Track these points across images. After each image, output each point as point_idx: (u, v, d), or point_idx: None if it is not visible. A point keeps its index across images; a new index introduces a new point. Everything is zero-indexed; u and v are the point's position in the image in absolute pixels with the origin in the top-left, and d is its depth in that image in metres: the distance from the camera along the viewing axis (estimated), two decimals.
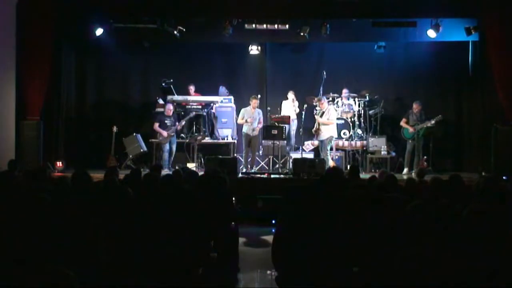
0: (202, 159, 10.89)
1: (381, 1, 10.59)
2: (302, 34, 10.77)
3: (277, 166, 10.72)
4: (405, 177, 9.08)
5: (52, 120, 11.14)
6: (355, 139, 11.45)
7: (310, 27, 10.75)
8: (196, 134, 11.42)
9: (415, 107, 10.88)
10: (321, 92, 11.52)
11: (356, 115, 11.56)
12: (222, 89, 11.99)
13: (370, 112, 11.70)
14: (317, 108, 10.91)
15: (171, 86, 11.68)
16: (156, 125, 11.00)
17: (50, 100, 10.95)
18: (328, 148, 10.40)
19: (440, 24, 10.49)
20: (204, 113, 11.60)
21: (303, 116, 11.06)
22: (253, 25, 10.66)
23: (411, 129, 10.80)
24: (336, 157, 10.94)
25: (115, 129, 11.15)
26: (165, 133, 10.91)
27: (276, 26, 10.66)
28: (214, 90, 11.97)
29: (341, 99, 11.71)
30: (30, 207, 3.95)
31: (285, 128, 10.80)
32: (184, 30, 10.86)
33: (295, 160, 10.19)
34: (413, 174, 9.94)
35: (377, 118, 11.65)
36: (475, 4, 10.28)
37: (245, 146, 10.72)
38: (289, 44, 12.18)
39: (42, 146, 10.54)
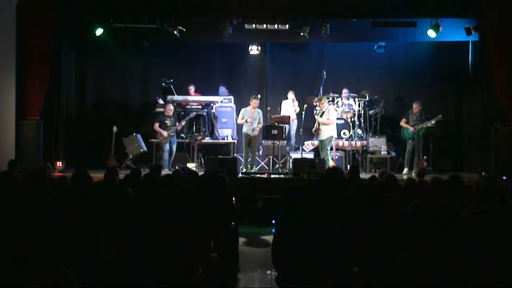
0: (202, 159, 10.90)
1: (381, 1, 10.59)
2: (302, 34, 10.77)
3: (277, 166, 10.72)
4: (405, 177, 9.09)
5: (52, 120, 11.14)
6: (355, 139, 11.45)
7: (310, 27, 10.76)
8: (196, 134, 11.42)
9: (415, 107, 10.88)
10: (321, 92, 11.52)
11: (356, 115, 11.56)
12: (222, 89, 11.99)
13: (370, 112, 11.70)
14: (317, 108, 10.91)
15: (171, 86, 11.68)
16: (156, 125, 11.01)
17: (50, 100, 10.96)
18: (328, 148, 10.40)
19: (440, 24, 10.49)
20: (204, 113, 11.61)
21: (303, 116, 11.05)
22: (253, 25, 10.65)
23: (411, 129, 10.80)
24: (336, 157, 10.94)
25: (115, 129, 11.15)
26: (165, 133, 10.91)
27: (276, 26, 10.65)
28: (214, 90, 11.97)
29: (341, 99, 11.71)
30: (30, 207, 3.94)
31: (285, 128, 10.79)
32: (184, 30, 10.86)
33: (295, 160, 10.19)
34: (413, 174, 9.94)
35: (377, 118, 11.65)
36: (475, 4, 10.29)
37: (245, 146, 10.71)
38: (289, 44, 12.18)
39: (42, 146, 10.55)
